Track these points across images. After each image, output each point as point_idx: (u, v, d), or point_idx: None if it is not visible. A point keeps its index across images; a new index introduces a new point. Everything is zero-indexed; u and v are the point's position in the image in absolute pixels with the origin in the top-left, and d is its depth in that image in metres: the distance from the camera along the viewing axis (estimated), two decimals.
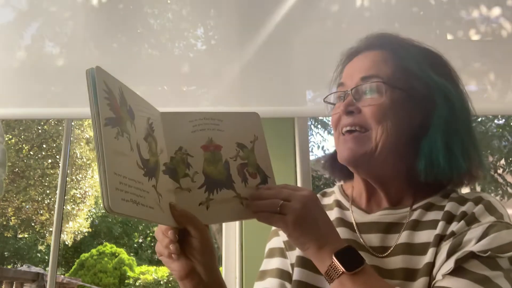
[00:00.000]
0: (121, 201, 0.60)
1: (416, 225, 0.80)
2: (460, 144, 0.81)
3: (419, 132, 0.82)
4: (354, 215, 0.87)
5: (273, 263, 0.89)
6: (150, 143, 0.73)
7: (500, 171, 5.68)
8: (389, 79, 0.82)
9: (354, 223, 0.85)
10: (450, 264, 0.70)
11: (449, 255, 0.72)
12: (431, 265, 0.74)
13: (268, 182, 0.81)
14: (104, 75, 0.67)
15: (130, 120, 0.70)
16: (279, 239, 0.91)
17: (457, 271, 0.69)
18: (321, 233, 0.72)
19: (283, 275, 0.86)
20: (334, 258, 0.69)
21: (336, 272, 0.68)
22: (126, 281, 10.87)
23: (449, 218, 0.77)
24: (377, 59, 0.85)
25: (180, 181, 0.76)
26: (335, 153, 0.90)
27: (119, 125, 0.66)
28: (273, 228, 0.94)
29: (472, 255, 0.70)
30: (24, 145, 10.75)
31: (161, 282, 10.65)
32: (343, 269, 0.68)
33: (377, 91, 0.81)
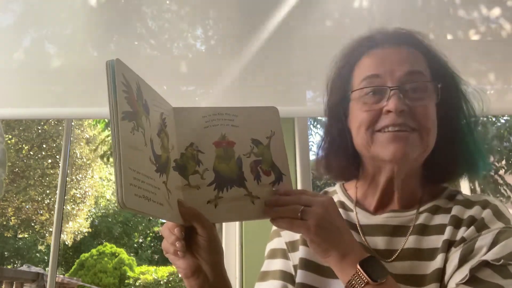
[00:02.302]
0: (134, 196, 0.59)
1: (424, 230, 0.79)
2: (465, 147, 0.82)
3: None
4: (358, 217, 0.85)
5: (275, 265, 0.87)
6: (162, 138, 0.72)
7: (502, 171, 5.68)
8: (432, 79, 0.80)
9: (358, 225, 0.84)
10: (464, 273, 0.70)
11: (461, 262, 0.72)
12: (441, 271, 0.73)
13: (283, 179, 0.78)
14: (123, 67, 0.66)
15: (145, 115, 0.68)
16: (280, 240, 0.89)
17: (472, 280, 0.69)
18: (345, 240, 0.71)
19: (286, 277, 0.85)
20: (359, 267, 0.67)
21: (360, 282, 0.67)
22: (126, 281, 10.87)
23: (457, 222, 0.77)
24: (414, 55, 0.82)
25: (189, 178, 0.74)
26: (329, 155, 0.88)
27: (135, 120, 0.64)
28: (274, 228, 0.93)
29: (485, 263, 0.70)
30: (24, 145, 10.76)
31: (161, 282, 10.65)
32: (369, 279, 0.66)
33: (425, 90, 0.79)
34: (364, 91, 0.81)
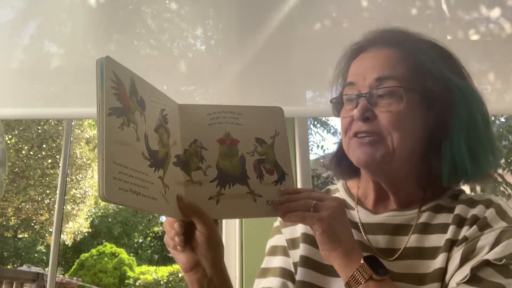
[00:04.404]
0: (118, 190, 0.60)
1: (426, 228, 0.79)
2: (482, 147, 0.79)
3: (435, 133, 0.80)
4: (360, 215, 0.85)
5: (276, 262, 0.88)
6: (161, 134, 0.72)
7: (500, 170, 5.68)
8: (406, 81, 0.77)
9: (359, 223, 0.84)
10: (465, 272, 0.70)
11: (462, 261, 0.71)
12: (443, 271, 0.73)
13: (285, 179, 0.79)
14: (114, 64, 0.67)
15: (140, 111, 0.69)
16: (281, 237, 0.89)
17: (472, 279, 0.69)
18: (351, 238, 0.73)
19: (286, 274, 0.85)
20: (363, 261, 0.68)
21: (363, 276, 0.67)
22: (126, 281, 10.88)
23: (460, 221, 0.76)
24: (390, 58, 0.80)
25: (191, 174, 0.75)
26: (339, 152, 0.88)
27: (125, 115, 0.65)
28: (275, 225, 0.93)
29: (486, 263, 0.69)
30: (24, 145, 10.76)
31: (161, 282, 10.65)
32: (373, 273, 0.67)
33: (394, 95, 0.77)
34: (346, 97, 0.83)
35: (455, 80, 0.80)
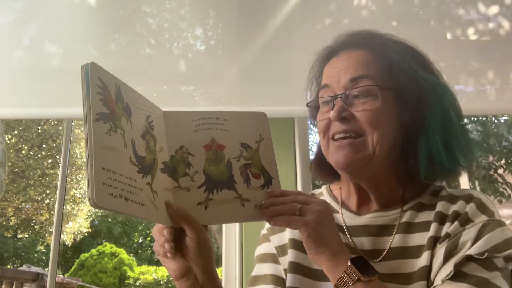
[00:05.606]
0: (108, 196, 0.60)
1: (409, 228, 0.79)
2: (457, 141, 0.80)
3: (411, 131, 0.80)
4: (345, 218, 0.86)
5: (266, 269, 0.88)
6: (148, 140, 0.73)
7: (500, 171, 5.68)
8: (380, 80, 0.79)
9: (344, 226, 0.85)
10: (449, 268, 0.70)
11: (446, 258, 0.72)
12: (428, 268, 0.73)
13: (272, 183, 0.80)
14: (99, 70, 0.67)
15: (126, 117, 0.69)
16: (270, 244, 0.90)
17: (457, 275, 0.70)
18: (337, 240, 0.73)
19: (277, 281, 0.85)
20: (350, 264, 0.69)
21: (351, 278, 0.68)
22: (126, 281, 10.88)
23: (441, 218, 0.77)
24: (363, 58, 0.82)
25: (179, 180, 0.75)
26: (318, 155, 0.89)
27: (112, 121, 0.65)
28: (263, 233, 0.94)
29: (469, 257, 0.70)
30: (24, 145, 10.75)
31: (161, 282, 10.66)
32: (360, 275, 0.67)
33: (369, 94, 0.78)
34: (321, 99, 0.84)
35: (426, 77, 0.81)
